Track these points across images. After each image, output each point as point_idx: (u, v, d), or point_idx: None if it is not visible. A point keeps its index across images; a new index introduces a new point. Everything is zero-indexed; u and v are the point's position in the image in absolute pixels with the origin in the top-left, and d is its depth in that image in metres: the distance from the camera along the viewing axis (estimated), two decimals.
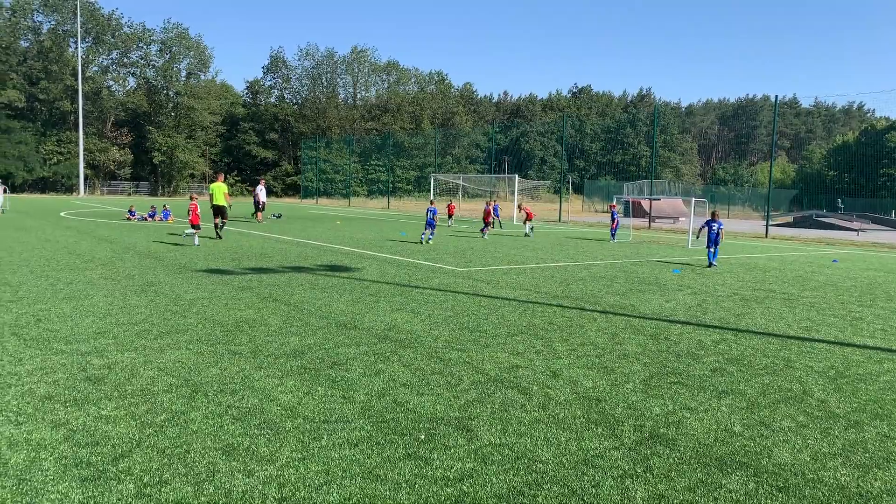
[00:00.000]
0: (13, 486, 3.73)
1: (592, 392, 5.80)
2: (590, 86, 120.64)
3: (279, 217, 34.66)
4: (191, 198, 19.37)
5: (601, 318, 9.22)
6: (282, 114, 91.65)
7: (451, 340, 7.56)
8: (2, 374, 5.72)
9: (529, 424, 4.96)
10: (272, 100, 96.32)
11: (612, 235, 25.81)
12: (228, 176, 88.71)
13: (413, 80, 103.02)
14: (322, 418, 4.93)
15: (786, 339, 8.33)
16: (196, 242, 17.71)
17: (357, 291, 10.85)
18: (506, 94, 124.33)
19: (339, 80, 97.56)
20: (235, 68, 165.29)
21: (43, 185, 76.78)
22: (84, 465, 4.01)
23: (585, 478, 4.08)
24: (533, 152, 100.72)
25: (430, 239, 21.26)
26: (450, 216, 33.13)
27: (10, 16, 77.54)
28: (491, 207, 27.53)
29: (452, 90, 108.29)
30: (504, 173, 76.46)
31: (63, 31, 79.47)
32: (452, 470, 4.11)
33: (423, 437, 4.63)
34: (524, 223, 27.15)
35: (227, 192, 21.47)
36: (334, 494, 3.75)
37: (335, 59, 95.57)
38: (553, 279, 13.26)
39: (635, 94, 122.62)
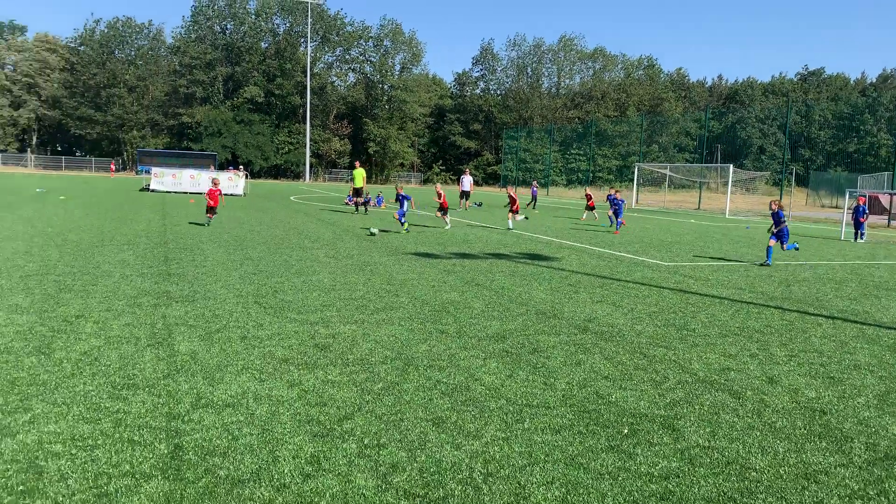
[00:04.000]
0: (258, 434, 4.29)
1: (816, 403, 5.32)
2: (822, 69, 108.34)
3: (480, 206, 35.62)
4: (213, 182, 18.89)
5: (827, 324, 8.37)
6: (486, 105, 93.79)
7: (656, 337, 7.32)
8: (247, 337, 6.56)
9: (742, 430, 4.68)
10: (478, 91, 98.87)
11: (861, 235, 22.71)
12: (434, 165, 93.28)
13: (620, 66, 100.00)
14: (524, 402, 5.05)
15: None
16: (209, 223, 17.72)
17: (556, 281, 10.87)
18: (720, 78, 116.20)
19: (544, 69, 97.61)
20: (445, 61, 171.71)
21: (276, 172, 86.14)
22: (315, 423, 4.50)
23: (806, 493, 3.77)
24: (750, 140, 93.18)
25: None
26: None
27: (254, 20, 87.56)
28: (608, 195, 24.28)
29: (662, 76, 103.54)
30: (716, 163, 71.72)
31: (296, 31, 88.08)
32: (657, 467, 4.02)
33: (626, 431, 4.57)
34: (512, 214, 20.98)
35: (364, 176, 26.36)
36: (537, 476, 3.84)
37: (542, 49, 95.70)
38: (771, 279, 12.26)
39: (877, 77, 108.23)
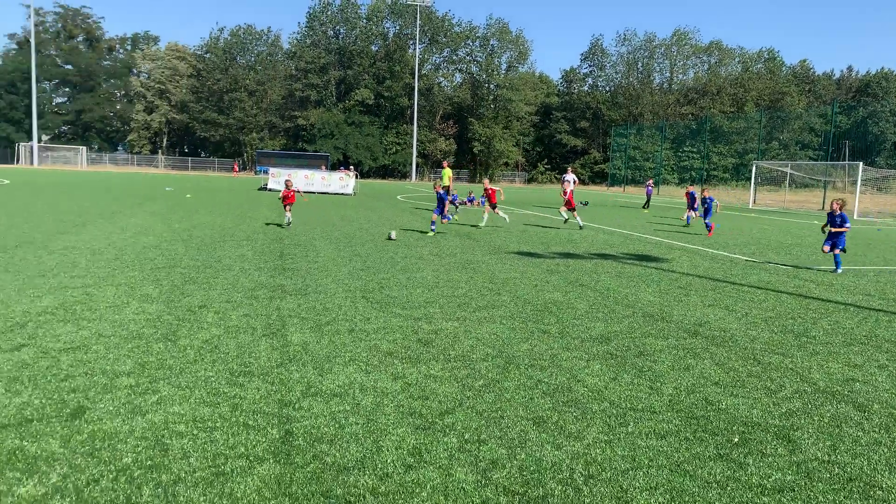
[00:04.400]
0: (363, 423, 4.43)
1: None
2: None
3: (585, 205, 34.98)
4: (286, 184, 18.30)
5: None
6: (594, 102, 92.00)
7: (771, 343, 6.94)
8: (355, 330, 6.78)
9: (867, 445, 4.36)
10: (585, 88, 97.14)
11: None
12: (539, 164, 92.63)
13: (737, 59, 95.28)
14: (628, 405, 4.94)
15: None
16: (287, 221, 17.47)
17: (665, 283, 10.52)
18: (850, 69, 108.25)
19: (655, 64, 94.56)
20: (552, 58, 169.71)
21: (383, 172, 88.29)
22: (417, 415, 4.59)
23: None
24: (883, 136, 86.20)
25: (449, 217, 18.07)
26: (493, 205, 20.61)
27: (365, 24, 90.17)
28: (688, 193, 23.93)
29: (784, 69, 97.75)
30: (843, 160, 66.84)
31: (405, 34, 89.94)
32: (770, 479, 3.82)
33: (736, 439, 4.37)
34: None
35: (450, 175, 26.42)
36: (640, 480, 3.75)
37: (653, 44, 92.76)
38: None
39: None
